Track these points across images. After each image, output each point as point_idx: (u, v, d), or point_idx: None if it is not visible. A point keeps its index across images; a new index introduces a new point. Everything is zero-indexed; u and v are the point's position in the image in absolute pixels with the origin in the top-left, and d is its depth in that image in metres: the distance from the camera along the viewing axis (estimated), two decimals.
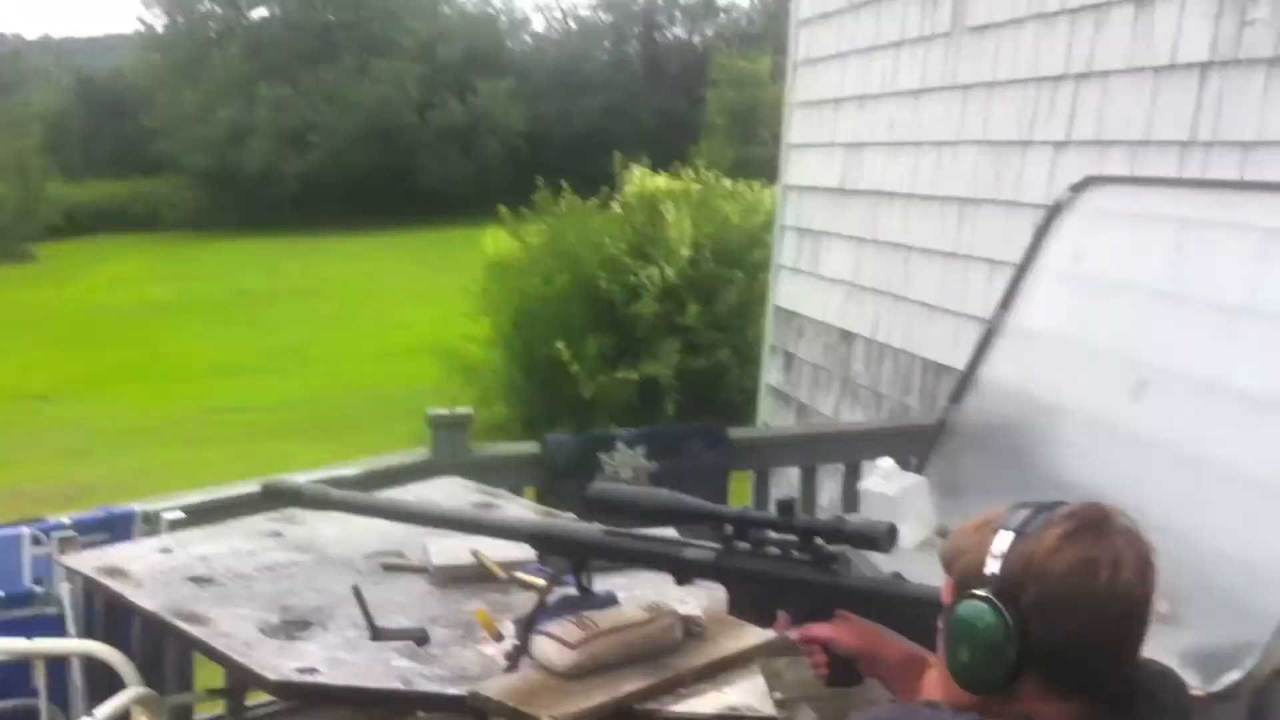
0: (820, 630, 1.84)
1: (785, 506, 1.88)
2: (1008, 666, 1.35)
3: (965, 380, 3.59)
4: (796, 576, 1.88)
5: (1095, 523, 1.38)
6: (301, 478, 2.76)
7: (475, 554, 2.55)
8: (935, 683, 1.55)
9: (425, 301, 16.30)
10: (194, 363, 13.29)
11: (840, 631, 1.83)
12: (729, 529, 1.96)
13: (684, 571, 2.04)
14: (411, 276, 19.25)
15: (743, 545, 1.95)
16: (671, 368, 8.90)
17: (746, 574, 1.94)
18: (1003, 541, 1.38)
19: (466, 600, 2.43)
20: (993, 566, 1.38)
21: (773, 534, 1.91)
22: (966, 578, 1.40)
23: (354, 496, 2.67)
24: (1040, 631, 1.34)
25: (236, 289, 18.89)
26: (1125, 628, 1.37)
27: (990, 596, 1.36)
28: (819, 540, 1.86)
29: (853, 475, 3.96)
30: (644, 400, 8.89)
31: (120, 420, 10.78)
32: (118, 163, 30.34)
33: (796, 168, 6.21)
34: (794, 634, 1.87)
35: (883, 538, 1.77)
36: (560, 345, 8.90)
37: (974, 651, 1.37)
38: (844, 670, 1.85)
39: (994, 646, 1.35)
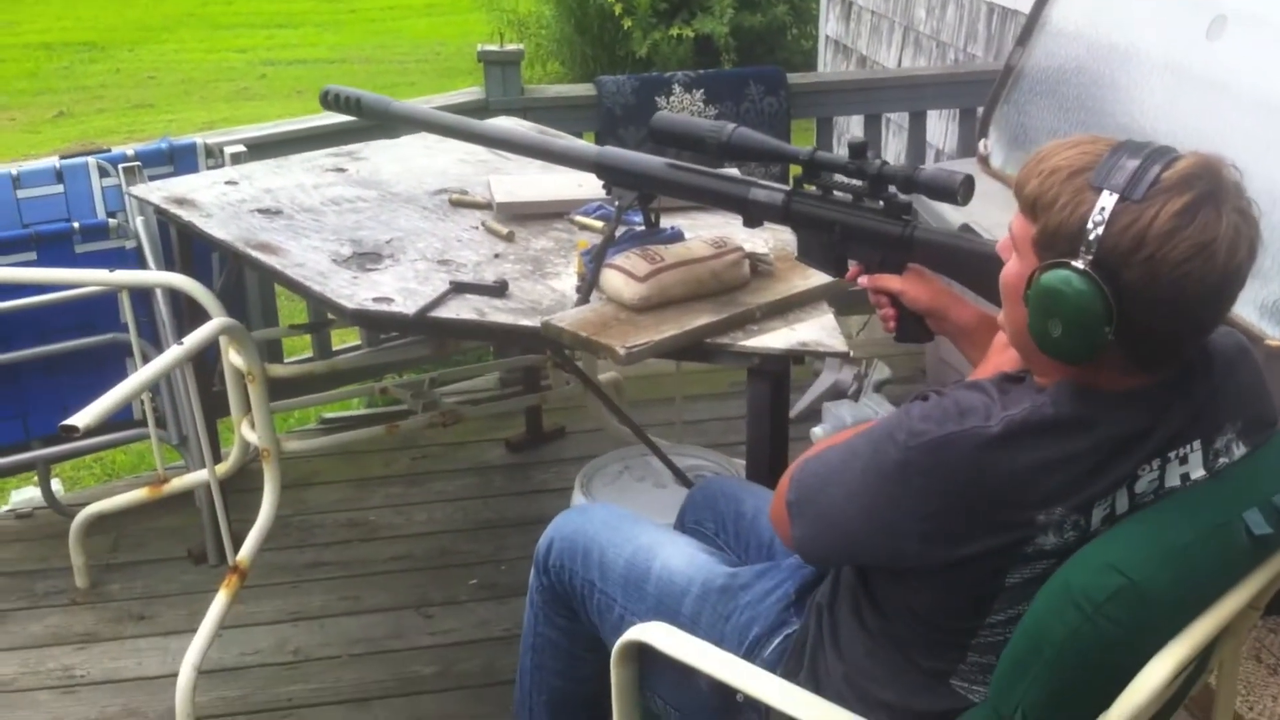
0: (890, 282, 1.78)
1: (857, 149, 1.78)
2: (1101, 344, 1.28)
3: (1032, 21, 3.42)
4: (867, 225, 1.81)
5: (1212, 193, 1.25)
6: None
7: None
8: (1008, 358, 1.52)
9: None
10: (242, 12, 12.99)
11: (910, 285, 1.77)
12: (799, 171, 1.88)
13: (751, 212, 1.97)
14: None
15: (812, 189, 1.88)
16: (726, 24, 8.60)
17: (815, 219, 1.87)
18: (1105, 204, 1.26)
19: (533, 238, 2.45)
20: (1092, 232, 1.26)
21: (843, 179, 1.83)
22: (1057, 238, 1.29)
23: (416, 110, 2.57)
24: (1140, 312, 1.26)
25: None
26: (1226, 306, 1.31)
27: (1090, 272, 1.26)
28: (891, 188, 1.78)
29: (918, 125, 3.89)
30: (700, 59, 8.65)
31: (175, 72, 10.62)
32: None
33: None
34: (864, 281, 1.82)
35: (959, 188, 1.67)
36: None
37: (1066, 326, 1.28)
38: (913, 325, 1.80)
39: (1089, 325, 1.27)
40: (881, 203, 1.80)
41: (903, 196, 1.79)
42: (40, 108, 9.58)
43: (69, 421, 2.05)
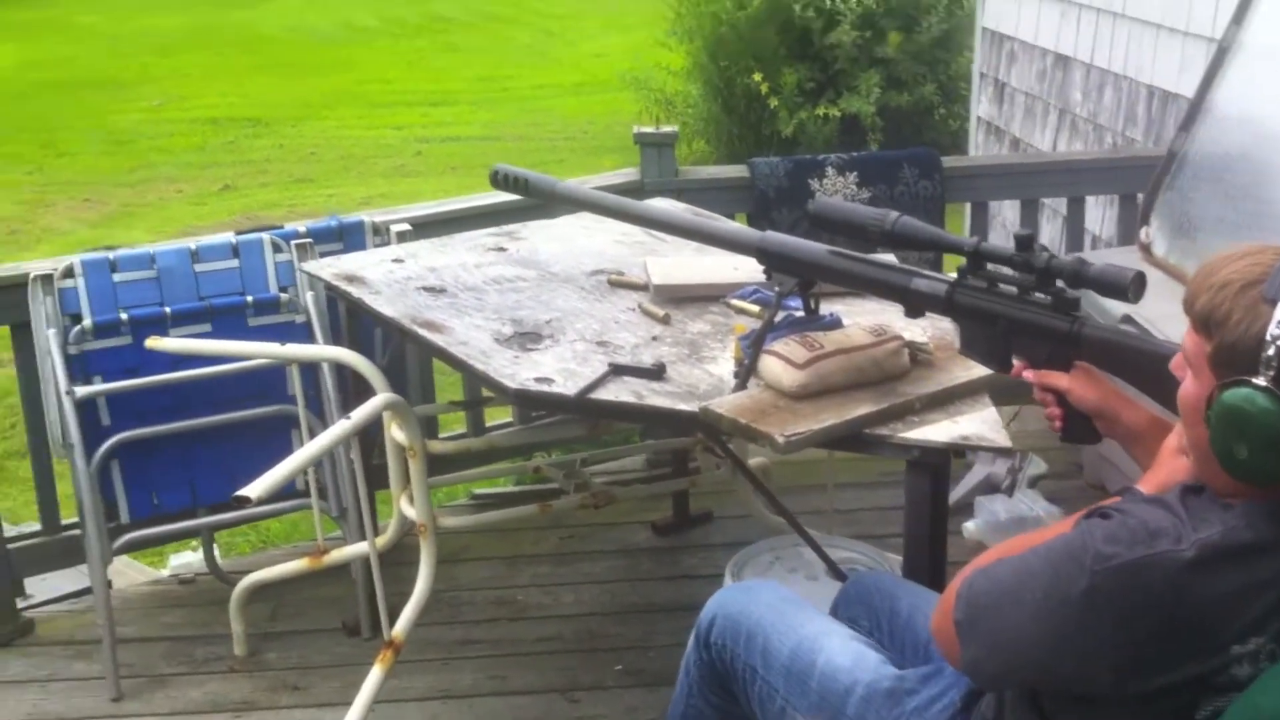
0: (1057, 380, 1.74)
1: (1024, 242, 1.76)
2: None
3: (1195, 106, 3.35)
4: (1035, 320, 1.77)
5: None
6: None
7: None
8: (1180, 465, 1.48)
9: (618, 29, 16.12)
10: (399, 90, 13.42)
11: (1078, 384, 1.72)
12: (963, 261, 1.85)
13: (913, 303, 1.95)
14: (600, 1, 18.98)
15: (977, 281, 1.85)
16: (873, 103, 8.59)
17: (981, 312, 1.83)
18: None
19: (689, 320, 2.47)
20: (1271, 346, 1.22)
21: (1009, 271, 1.80)
22: (1234, 354, 1.26)
23: (580, 190, 2.62)
24: None
25: (432, 14, 18.89)
26: None
27: (1274, 389, 1.22)
28: (1060, 283, 1.74)
29: (1076, 211, 3.83)
30: (845, 139, 8.66)
31: (335, 148, 11.01)
32: None
33: None
34: (1030, 376, 1.78)
35: (1130, 285, 1.63)
36: (758, 77, 8.70)
37: (1254, 448, 1.24)
38: (1080, 426, 1.76)
39: (1278, 444, 1.23)
40: (1049, 297, 1.77)
41: (1071, 291, 1.75)
42: (206, 180, 10.00)
43: (243, 492, 2.11)
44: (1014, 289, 1.81)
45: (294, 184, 9.84)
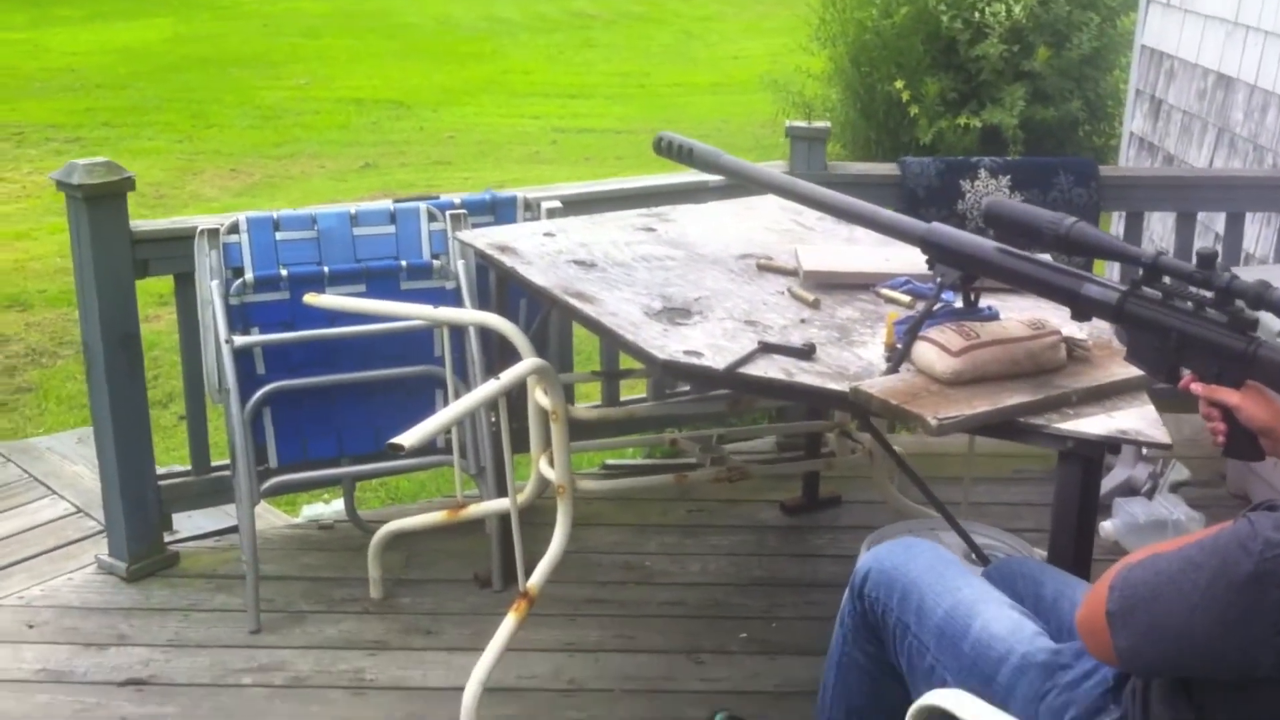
0: (1227, 395, 1.73)
1: (1207, 259, 1.74)
2: None
3: None
4: (1209, 336, 1.76)
5: None
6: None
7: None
8: None
9: (759, 33, 16.14)
10: (538, 82, 13.60)
11: (1248, 401, 1.71)
12: (1139, 272, 1.83)
13: (1082, 307, 1.93)
14: (742, 5, 19.00)
15: (1151, 292, 1.83)
16: (1016, 116, 8.46)
17: (1153, 324, 1.82)
18: None
19: (838, 306, 2.48)
20: None
21: (1187, 287, 1.78)
22: None
23: (745, 165, 2.63)
24: None
25: (574, 10, 19.11)
26: None
27: None
28: (1239, 302, 1.72)
29: (1235, 228, 3.75)
30: (985, 149, 8.51)
31: (473, 133, 11.20)
32: None
33: None
34: (1199, 389, 1.77)
35: None
36: (899, 84, 8.63)
37: None
38: (1244, 442, 1.75)
39: None
40: (1224, 315, 1.75)
41: (1249, 312, 1.74)
42: (348, 158, 10.25)
43: (396, 440, 2.17)
44: (1189, 304, 1.79)
45: (431, 165, 10.02)
